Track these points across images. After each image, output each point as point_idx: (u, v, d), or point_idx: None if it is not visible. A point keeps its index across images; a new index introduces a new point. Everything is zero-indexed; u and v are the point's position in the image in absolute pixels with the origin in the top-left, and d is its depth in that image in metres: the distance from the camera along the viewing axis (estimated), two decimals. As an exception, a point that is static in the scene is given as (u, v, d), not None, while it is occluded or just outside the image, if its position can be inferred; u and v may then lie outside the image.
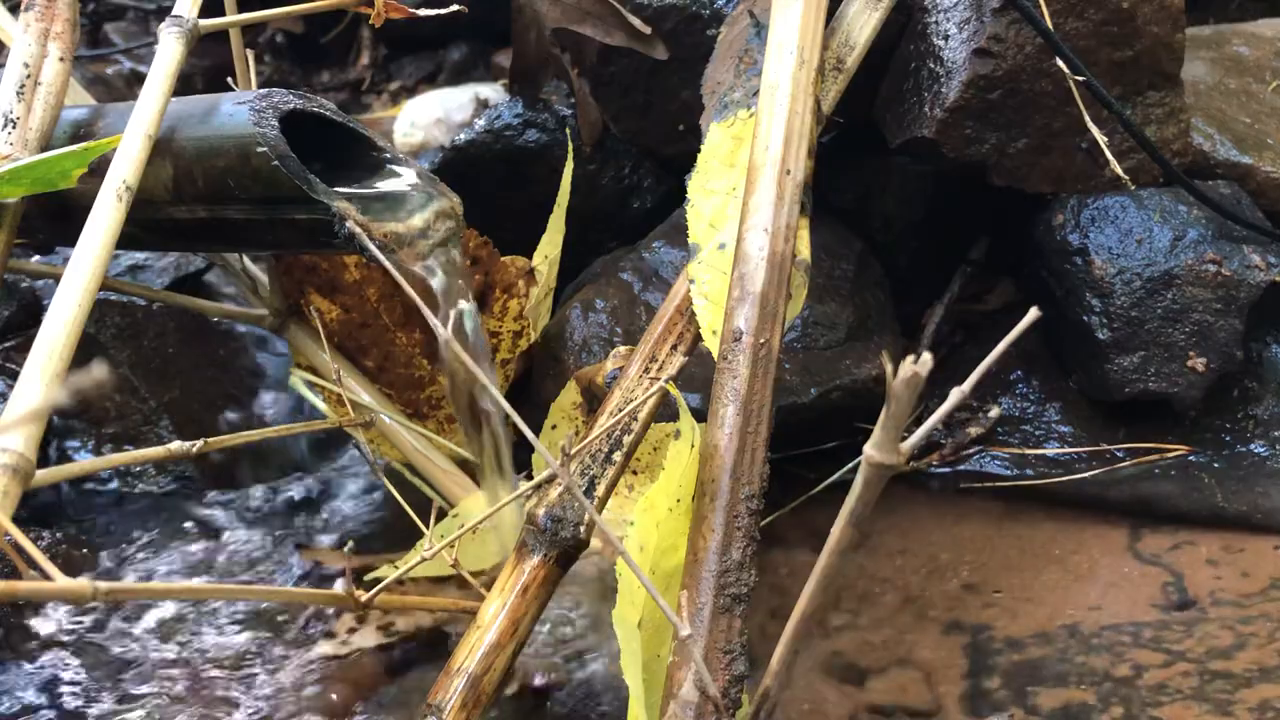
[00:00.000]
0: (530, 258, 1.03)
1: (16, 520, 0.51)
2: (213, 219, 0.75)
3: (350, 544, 0.68)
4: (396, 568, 0.85)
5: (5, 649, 0.86)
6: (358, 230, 0.69)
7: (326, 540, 1.00)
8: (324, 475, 1.08)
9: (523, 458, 0.94)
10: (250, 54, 0.93)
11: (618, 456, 0.74)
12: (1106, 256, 0.96)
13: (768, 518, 0.92)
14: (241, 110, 0.70)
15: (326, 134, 0.75)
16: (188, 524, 1.02)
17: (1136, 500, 0.95)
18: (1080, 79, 0.91)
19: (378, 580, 0.70)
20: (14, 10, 0.83)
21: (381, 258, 0.70)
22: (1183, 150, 1.00)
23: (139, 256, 1.16)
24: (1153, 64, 0.98)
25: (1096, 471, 0.98)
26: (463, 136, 1.15)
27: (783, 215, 0.73)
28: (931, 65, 0.97)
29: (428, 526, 0.71)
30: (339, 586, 0.90)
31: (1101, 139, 0.94)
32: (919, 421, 1.00)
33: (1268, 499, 0.92)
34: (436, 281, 0.73)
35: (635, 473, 0.91)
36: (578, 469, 0.73)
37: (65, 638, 0.88)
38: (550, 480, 0.71)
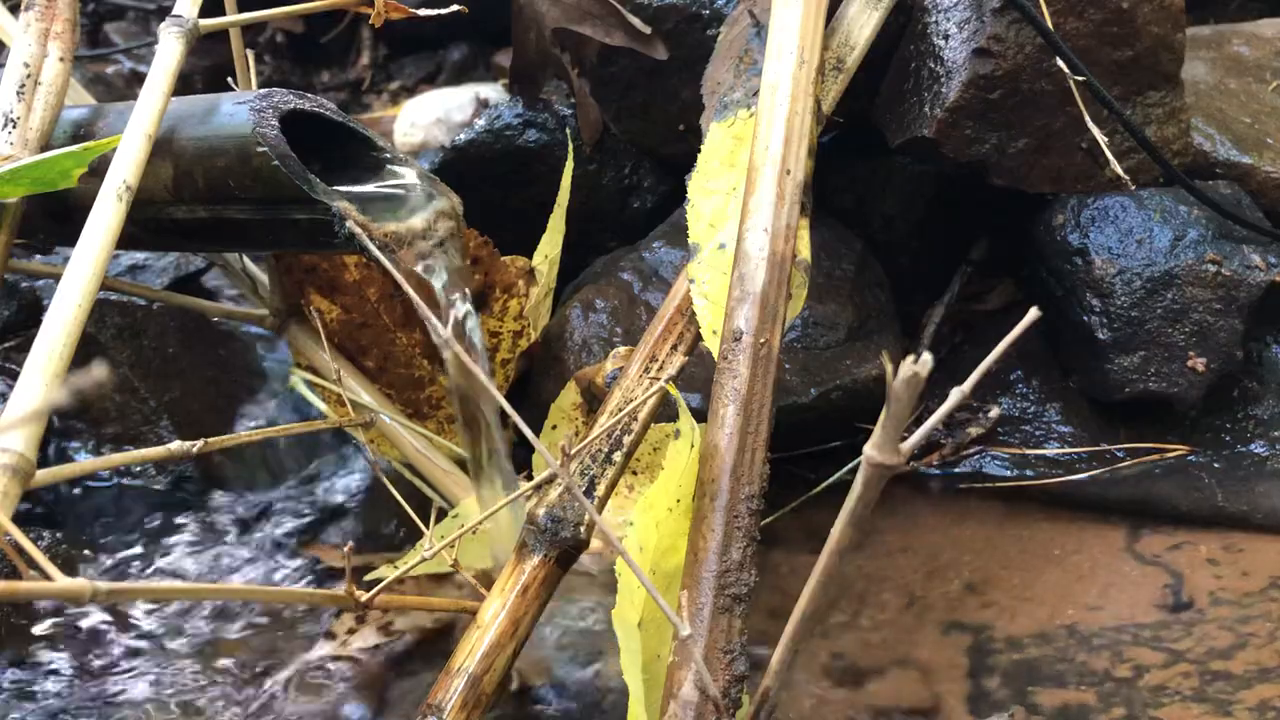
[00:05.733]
0: (530, 258, 1.03)
1: (17, 520, 0.51)
2: (213, 219, 0.75)
3: (350, 544, 0.68)
4: (396, 568, 0.85)
5: (2, 647, 0.86)
6: (358, 230, 0.69)
7: (326, 540, 1.00)
8: (324, 475, 1.08)
9: (523, 457, 0.94)
10: (250, 54, 0.93)
11: (618, 456, 0.74)
12: (1106, 256, 0.96)
13: (768, 518, 0.92)
14: (241, 110, 0.70)
15: (326, 134, 0.75)
16: (187, 524, 1.01)
17: (1136, 500, 0.95)
18: (1080, 79, 0.91)
19: (378, 580, 0.70)
20: (14, 10, 0.83)
21: (381, 258, 0.70)
22: (1183, 150, 1.00)
23: (139, 256, 1.16)
24: (1153, 64, 0.98)
25: (1096, 471, 0.98)
26: (463, 136, 1.15)
27: (783, 215, 0.73)
28: (931, 65, 0.97)
29: (428, 526, 0.71)
30: (339, 587, 0.90)
31: (1101, 139, 0.94)
32: (919, 421, 1.00)
33: (1268, 499, 0.92)
34: (436, 281, 0.73)
35: (635, 473, 0.91)
36: (578, 469, 0.73)
37: (63, 637, 0.88)
38: (550, 480, 0.71)
